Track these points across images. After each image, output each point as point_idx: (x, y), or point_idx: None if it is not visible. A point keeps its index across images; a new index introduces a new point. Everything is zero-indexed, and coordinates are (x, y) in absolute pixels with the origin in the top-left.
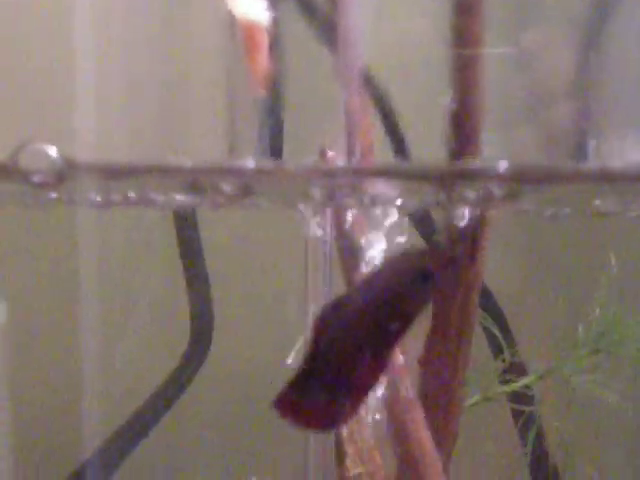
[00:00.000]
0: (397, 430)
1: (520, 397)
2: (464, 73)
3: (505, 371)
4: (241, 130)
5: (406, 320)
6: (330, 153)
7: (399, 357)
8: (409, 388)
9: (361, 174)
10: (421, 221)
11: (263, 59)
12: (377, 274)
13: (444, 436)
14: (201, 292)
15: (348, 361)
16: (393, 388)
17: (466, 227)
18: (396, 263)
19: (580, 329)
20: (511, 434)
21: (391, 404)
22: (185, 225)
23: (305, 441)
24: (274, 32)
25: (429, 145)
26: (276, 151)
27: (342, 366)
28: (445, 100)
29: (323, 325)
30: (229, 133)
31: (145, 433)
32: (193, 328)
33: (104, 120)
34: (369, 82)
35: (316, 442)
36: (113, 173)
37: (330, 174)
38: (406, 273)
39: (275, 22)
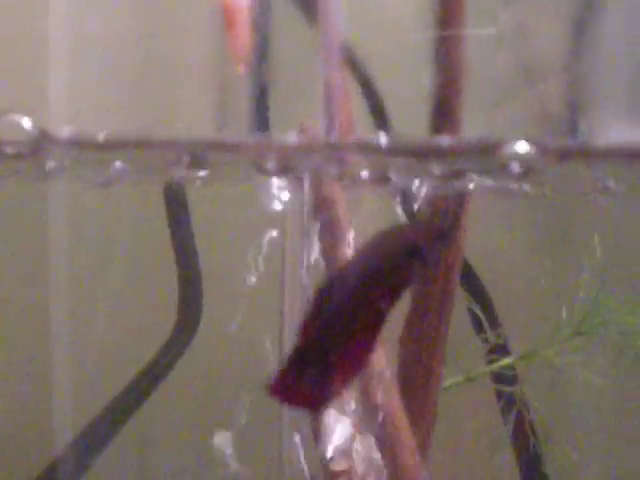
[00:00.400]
0: (370, 405)
1: (502, 378)
2: (446, 51)
3: (489, 352)
4: (231, 104)
5: (394, 296)
6: (310, 128)
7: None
8: (384, 365)
9: (341, 149)
10: (403, 197)
11: (244, 36)
12: (367, 250)
13: (423, 415)
14: (190, 270)
15: (340, 338)
16: (368, 365)
17: (447, 205)
18: (385, 239)
19: (564, 311)
20: (495, 414)
21: (365, 381)
22: (174, 202)
23: (280, 427)
24: (256, 9)
25: (411, 124)
26: (263, 126)
27: (334, 343)
28: (427, 78)
29: (316, 305)
30: (219, 107)
31: (131, 413)
32: (180, 308)
33: (83, 93)
34: (351, 58)
35: (291, 428)
36: (92, 146)
37: (310, 149)
38: (395, 248)
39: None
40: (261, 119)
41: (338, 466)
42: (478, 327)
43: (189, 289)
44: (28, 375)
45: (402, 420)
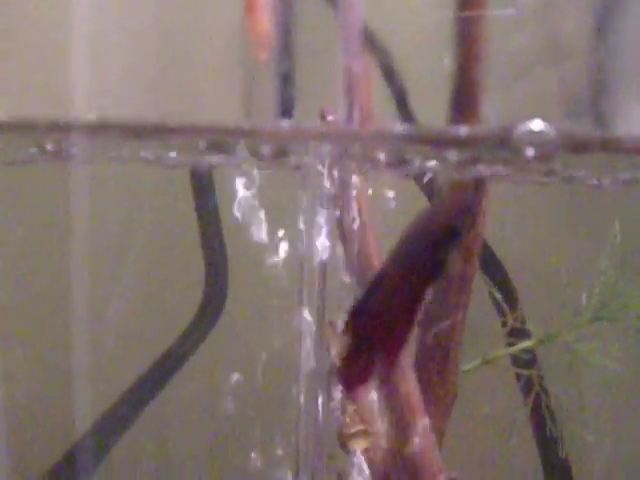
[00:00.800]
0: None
1: (522, 361)
2: (467, 34)
3: (509, 335)
4: (257, 92)
5: (438, 274)
6: (330, 116)
7: None
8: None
9: (362, 138)
10: (425, 183)
11: (265, 22)
12: (412, 231)
13: (441, 396)
14: (216, 255)
15: (393, 318)
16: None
17: (467, 190)
18: (428, 220)
19: (583, 297)
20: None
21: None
22: (202, 187)
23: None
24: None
25: (432, 107)
26: (287, 112)
27: (387, 324)
28: (448, 62)
29: (371, 291)
30: (245, 95)
31: (157, 389)
32: (206, 291)
33: (106, 84)
34: (373, 43)
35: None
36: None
37: (332, 137)
38: (439, 228)
39: None
40: (285, 106)
41: (356, 446)
42: (499, 310)
43: (215, 272)
44: (50, 361)
45: (417, 403)
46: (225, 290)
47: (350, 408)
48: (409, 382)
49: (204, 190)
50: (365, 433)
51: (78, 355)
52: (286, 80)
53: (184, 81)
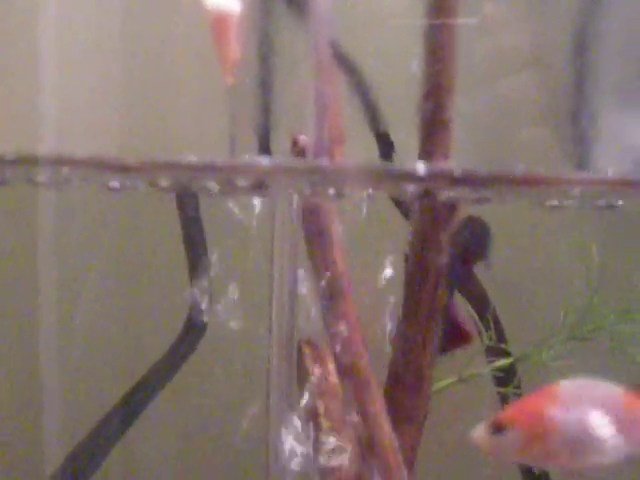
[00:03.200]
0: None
1: (501, 379)
2: (437, 43)
3: (487, 353)
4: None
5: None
6: (302, 141)
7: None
8: (369, 370)
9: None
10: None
11: (233, 48)
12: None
13: (413, 414)
14: (201, 272)
15: None
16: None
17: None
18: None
19: (562, 316)
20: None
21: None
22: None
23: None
24: (247, 21)
25: (404, 115)
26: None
27: None
28: (418, 69)
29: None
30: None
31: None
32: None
33: (73, 112)
34: (344, 60)
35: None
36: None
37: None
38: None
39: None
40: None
41: (331, 462)
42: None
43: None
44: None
45: (384, 423)
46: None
47: (326, 425)
48: (376, 402)
49: (190, 214)
50: (341, 449)
51: (61, 375)
52: (264, 108)
53: (155, 111)
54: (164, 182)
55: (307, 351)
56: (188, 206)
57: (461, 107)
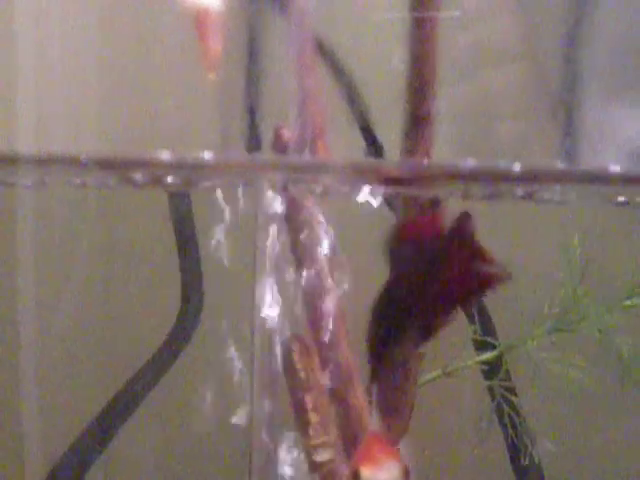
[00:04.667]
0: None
1: (489, 371)
2: (420, 37)
3: (474, 345)
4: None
5: None
6: (285, 134)
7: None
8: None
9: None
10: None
11: (215, 43)
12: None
13: (398, 407)
14: (192, 270)
15: None
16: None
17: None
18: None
19: (546, 307)
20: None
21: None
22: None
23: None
24: (229, 15)
25: (387, 109)
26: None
27: None
28: (401, 63)
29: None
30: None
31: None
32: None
33: (52, 112)
34: (326, 55)
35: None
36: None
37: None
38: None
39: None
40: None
41: (320, 457)
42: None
43: (191, 286)
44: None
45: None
46: (201, 303)
47: (314, 419)
48: (358, 395)
49: (182, 212)
50: (328, 444)
51: (58, 367)
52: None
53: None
54: (166, 179)
55: (295, 346)
56: (180, 203)
57: (445, 101)
